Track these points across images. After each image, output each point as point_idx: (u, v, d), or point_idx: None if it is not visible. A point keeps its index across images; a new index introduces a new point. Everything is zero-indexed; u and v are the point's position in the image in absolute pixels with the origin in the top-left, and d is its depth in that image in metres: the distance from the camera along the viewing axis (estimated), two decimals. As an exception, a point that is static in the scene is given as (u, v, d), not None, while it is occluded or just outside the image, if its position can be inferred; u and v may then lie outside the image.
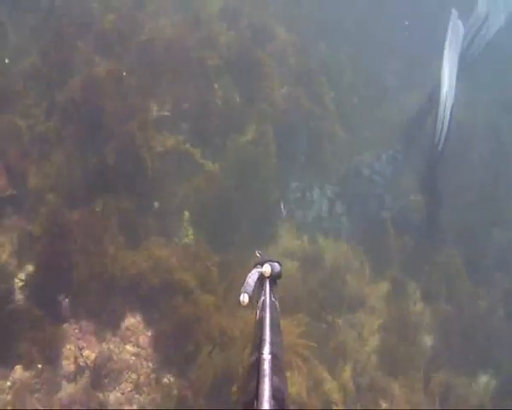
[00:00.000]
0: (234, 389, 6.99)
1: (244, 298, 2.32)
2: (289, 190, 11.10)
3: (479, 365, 9.85)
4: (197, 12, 12.28)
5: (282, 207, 10.70)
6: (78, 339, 7.00)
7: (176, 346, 7.39)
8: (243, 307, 2.31)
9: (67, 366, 6.78)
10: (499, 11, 12.64)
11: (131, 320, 7.46)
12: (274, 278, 2.59)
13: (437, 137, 11.10)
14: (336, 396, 8.29)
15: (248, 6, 13.62)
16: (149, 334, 7.44)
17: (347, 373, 8.82)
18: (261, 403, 1.50)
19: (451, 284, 10.86)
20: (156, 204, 9.42)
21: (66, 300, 7.18)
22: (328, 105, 12.64)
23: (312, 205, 11.17)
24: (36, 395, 6.42)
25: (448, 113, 11.03)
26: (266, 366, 1.65)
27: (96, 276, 7.45)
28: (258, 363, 1.70)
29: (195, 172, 10.19)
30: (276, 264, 2.65)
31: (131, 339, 7.28)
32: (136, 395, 6.84)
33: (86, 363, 6.84)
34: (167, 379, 7.13)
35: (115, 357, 6.98)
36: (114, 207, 8.40)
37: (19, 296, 7.06)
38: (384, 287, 10.50)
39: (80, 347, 6.93)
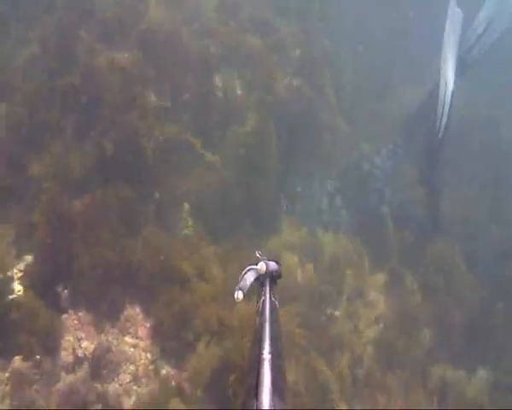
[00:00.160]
0: (232, 379, 7.00)
1: (238, 295, 2.33)
2: (289, 183, 11.07)
3: (477, 358, 9.87)
4: (197, 3, 12.20)
5: (283, 200, 10.68)
6: (77, 330, 7.01)
7: (174, 336, 7.42)
8: (238, 303, 2.32)
9: (66, 357, 6.79)
10: (505, 12, 12.56)
11: (130, 311, 7.48)
12: (274, 278, 2.60)
13: (437, 124, 11.11)
14: (333, 385, 8.33)
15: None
16: (148, 325, 7.45)
17: (344, 363, 8.84)
18: (261, 403, 1.50)
19: (450, 276, 10.87)
20: (157, 194, 9.41)
21: (66, 291, 7.18)
22: (330, 97, 12.59)
23: (312, 198, 11.15)
24: (34, 386, 6.43)
25: (448, 99, 11.04)
26: (266, 366, 1.66)
27: (96, 266, 7.46)
28: (258, 363, 1.70)
29: (196, 162, 10.17)
30: (274, 263, 2.65)
31: (130, 330, 7.30)
32: (135, 387, 6.85)
33: (85, 354, 6.85)
34: (166, 370, 7.14)
35: (114, 348, 7.00)
36: (114, 196, 8.39)
37: (18, 287, 7.05)
38: (382, 279, 10.51)
39: (79, 338, 6.95)
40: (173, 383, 6.98)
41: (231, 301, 7.62)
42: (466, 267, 11.06)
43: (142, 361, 7.07)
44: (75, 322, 7.05)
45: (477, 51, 12.34)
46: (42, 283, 7.12)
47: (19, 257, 7.38)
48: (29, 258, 7.36)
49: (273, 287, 2.54)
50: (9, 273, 7.13)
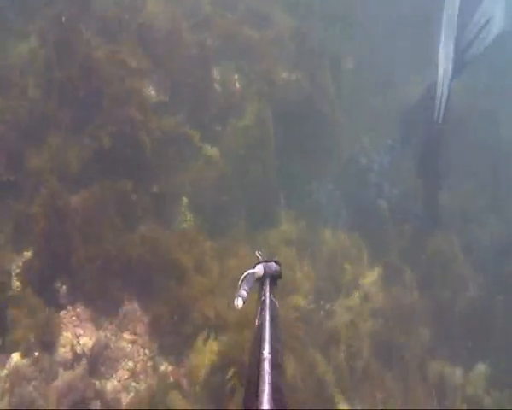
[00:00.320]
0: (230, 374, 7.01)
1: (238, 302, 2.33)
2: (288, 178, 11.05)
3: (476, 354, 9.91)
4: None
5: (281, 195, 10.67)
6: (76, 326, 7.02)
7: (172, 332, 7.44)
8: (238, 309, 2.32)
9: (64, 353, 6.80)
10: (503, 13, 12.52)
11: (129, 307, 7.49)
12: (274, 278, 2.60)
13: (436, 113, 11.14)
14: (330, 377, 8.38)
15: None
16: (146, 321, 7.46)
17: (341, 356, 8.88)
18: (261, 403, 1.51)
19: (449, 270, 10.90)
20: (155, 188, 9.40)
21: (64, 287, 7.18)
22: (329, 90, 12.54)
23: (311, 193, 11.16)
24: (33, 383, 6.43)
25: (446, 87, 11.08)
26: (266, 366, 1.66)
27: (94, 261, 7.46)
28: (258, 363, 1.71)
29: (194, 155, 10.16)
30: (274, 264, 2.65)
31: (128, 326, 7.31)
32: (133, 383, 6.87)
33: (83, 351, 6.86)
34: (164, 367, 7.16)
35: (112, 345, 7.02)
36: (112, 190, 8.38)
37: (16, 283, 7.05)
38: (380, 273, 10.54)
39: (77, 334, 6.96)
40: (171, 380, 7.00)
41: (229, 296, 7.70)
42: (464, 261, 11.08)
43: (141, 358, 7.09)
44: (73, 318, 7.06)
45: (475, 50, 12.30)
46: (40, 279, 7.11)
47: (17, 253, 7.37)
48: (27, 254, 7.35)
49: (273, 287, 2.54)
50: (7, 269, 7.12)
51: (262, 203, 10.27)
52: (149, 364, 7.10)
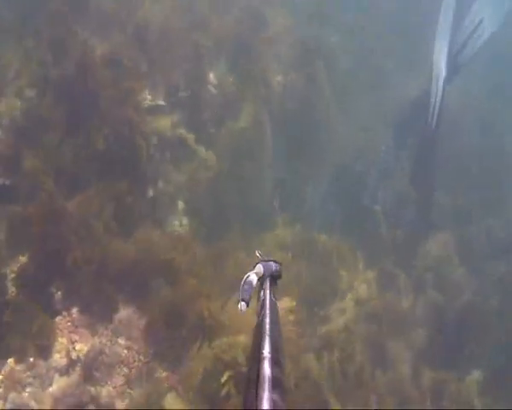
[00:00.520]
0: (225, 378, 7.02)
1: (242, 307, 2.34)
2: (283, 182, 11.07)
3: (469, 359, 9.96)
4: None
5: (275, 200, 10.68)
6: (71, 332, 7.02)
7: (167, 337, 7.44)
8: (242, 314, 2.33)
9: (60, 359, 6.82)
10: (495, 14, 12.57)
11: (124, 313, 7.48)
12: (274, 278, 2.62)
13: (430, 116, 11.21)
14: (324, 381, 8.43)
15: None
16: (141, 327, 7.47)
17: (334, 360, 8.92)
18: (261, 403, 1.52)
19: (443, 273, 10.96)
20: (151, 191, 9.41)
21: (59, 292, 7.18)
22: (325, 92, 12.53)
23: (306, 198, 11.18)
24: (28, 389, 6.44)
25: (440, 91, 11.14)
26: (266, 365, 1.67)
27: (89, 265, 7.45)
28: (258, 362, 1.72)
29: (190, 158, 10.16)
30: (273, 263, 2.67)
31: (123, 332, 7.31)
32: (128, 389, 6.89)
33: (78, 356, 6.86)
34: (159, 373, 7.18)
35: (107, 350, 7.02)
36: (108, 193, 8.38)
37: (11, 289, 7.04)
38: (374, 277, 10.57)
39: (73, 340, 6.96)
40: (166, 386, 7.02)
41: (225, 299, 7.71)
42: (459, 265, 11.14)
43: (136, 364, 7.09)
44: (69, 324, 7.07)
45: (468, 52, 12.35)
46: (35, 284, 7.10)
47: (12, 257, 7.35)
48: (23, 258, 7.32)
49: (273, 287, 2.56)
50: (3, 274, 7.11)
51: (257, 207, 10.28)
52: (144, 370, 7.11)
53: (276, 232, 10.19)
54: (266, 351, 1.74)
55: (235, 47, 11.66)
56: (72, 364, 6.82)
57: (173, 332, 7.50)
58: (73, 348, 6.90)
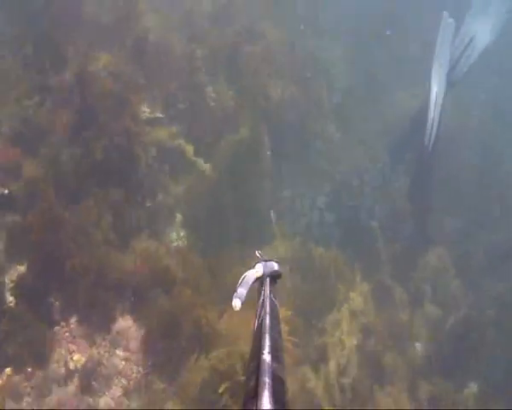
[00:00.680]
0: (222, 389, 7.00)
1: (236, 303, 2.34)
2: (281, 198, 11.11)
3: (467, 371, 9.95)
4: (189, 12, 12.20)
5: (272, 214, 10.70)
6: (69, 343, 6.99)
7: (165, 349, 7.42)
8: (236, 311, 2.33)
9: (58, 369, 6.77)
10: (486, 29, 12.70)
11: (122, 323, 7.46)
12: (274, 277, 2.62)
13: (427, 137, 11.30)
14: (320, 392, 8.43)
15: (239, 6, 13.48)
16: (139, 337, 7.44)
17: (331, 372, 8.91)
18: (261, 403, 1.52)
19: (440, 287, 11.01)
20: (149, 202, 9.41)
21: (57, 303, 7.15)
22: (323, 105, 12.64)
23: (303, 213, 11.21)
24: (26, 399, 6.40)
25: (438, 113, 11.24)
26: (266, 366, 1.68)
27: (87, 276, 7.43)
28: (258, 363, 1.73)
29: (188, 170, 10.19)
30: (274, 263, 2.68)
31: (121, 343, 7.28)
32: (127, 401, 6.85)
33: (76, 367, 6.83)
34: (157, 384, 7.14)
35: (105, 361, 6.99)
36: (107, 204, 8.38)
37: (9, 298, 7.01)
38: (371, 291, 10.58)
39: (70, 350, 6.93)
40: (164, 397, 6.98)
41: (221, 310, 7.70)
42: (456, 278, 11.19)
43: (134, 375, 7.06)
44: (67, 334, 7.03)
45: (460, 69, 12.46)
46: (34, 294, 7.07)
47: (11, 266, 7.32)
48: (21, 268, 7.30)
49: (273, 286, 2.56)
50: (1, 283, 7.07)
51: (255, 220, 10.29)
52: (142, 381, 7.08)
53: (273, 248, 10.20)
54: (266, 351, 1.76)
55: (232, 60, 11.74)
56: (69, 374, 6.79)
57: (171, 342, 7.49)
58: (71, 358, 6.87)
